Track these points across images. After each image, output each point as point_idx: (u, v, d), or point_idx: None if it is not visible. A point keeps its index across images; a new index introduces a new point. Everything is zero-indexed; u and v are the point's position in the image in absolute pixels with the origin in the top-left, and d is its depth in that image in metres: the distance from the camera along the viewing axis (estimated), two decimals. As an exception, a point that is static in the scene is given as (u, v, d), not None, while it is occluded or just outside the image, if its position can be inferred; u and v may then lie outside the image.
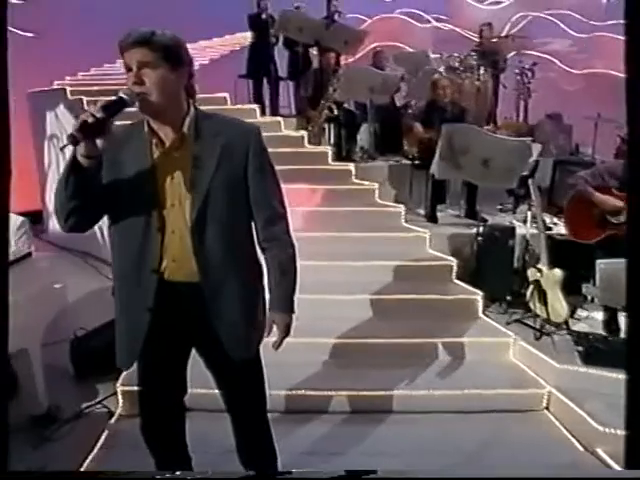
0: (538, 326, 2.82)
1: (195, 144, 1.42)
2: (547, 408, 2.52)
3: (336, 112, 4.81)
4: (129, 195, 1.41)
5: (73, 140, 1.22)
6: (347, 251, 3.51)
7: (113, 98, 1.30)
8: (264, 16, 5.65)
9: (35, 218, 5.88)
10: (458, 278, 3.34)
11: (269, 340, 1.61)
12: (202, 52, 7.73)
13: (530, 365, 2.71)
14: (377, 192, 4.07)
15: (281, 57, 6.14)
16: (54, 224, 5.72)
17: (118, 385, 2.59)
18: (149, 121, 1.41)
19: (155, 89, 1.33)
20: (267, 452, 1.80)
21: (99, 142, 1.28)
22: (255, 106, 5.17)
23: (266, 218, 1.54)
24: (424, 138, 4.02)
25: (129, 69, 1.33)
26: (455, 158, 3.34)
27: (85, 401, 2.76)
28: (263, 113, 5.75)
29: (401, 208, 3.86)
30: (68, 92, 5.48)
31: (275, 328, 1.59)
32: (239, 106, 5.24)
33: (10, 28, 5.12)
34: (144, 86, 1.32)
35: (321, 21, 5.61)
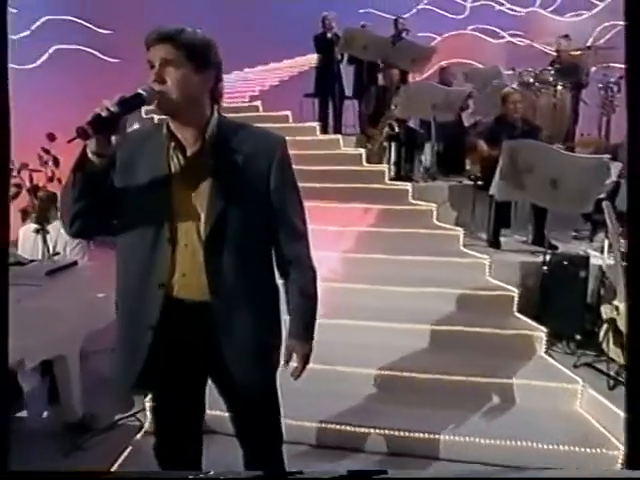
0: (612, 373, 2.42)
1: (216, 152, 1.32)
2: (620, 473, 2.13)
3: (397, 130, 4.64)
4: (141, 201, 1.32)
5: (83, 134, 1.13)
6: (398, 275, 3.30)
7: (131, 94, 1.24)
8: (329, 35, 5.67)
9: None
10: (520, 311, 3.00)
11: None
12: (272, 73, 7.95)
13: (600, 419, 2.32)
14: (435, 214, 3.83)
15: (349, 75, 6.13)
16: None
17: (147, 400, 2.56)
18: (169, 123, 1.32)
19: (176, 88, 1.25)
20: None
21: (113, 139, 1.20)
22: (315, 124, 5.15)
23: (286, 236, 1.41)
24: (488, 157, 3.73)
25: (152, 66, 1.25)
26: (518, 177, 3.03)
27: (120, 412, 2.77)
28: (325, 131, 5.74)
29: (459, 231, 3.59)
30: (142, 112, 5.76)
31: (294, 356, 1.46)
32: (299, 124, 5.24)
33: (98, 54, 5.55)
34: (165, 85, 1.24)
35: (386, 39, 5.51)
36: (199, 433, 1.65)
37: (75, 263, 2.77)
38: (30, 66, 6.88)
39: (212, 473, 1.52)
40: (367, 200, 3.97)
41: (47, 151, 4.17)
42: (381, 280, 3.24)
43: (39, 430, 2.72)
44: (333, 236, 3.69)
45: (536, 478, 1.29)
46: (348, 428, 2.39)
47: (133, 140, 1.37)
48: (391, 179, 4.35)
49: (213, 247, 1.32)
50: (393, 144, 4.67)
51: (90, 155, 1.21)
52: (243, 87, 7.26)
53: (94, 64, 7.51)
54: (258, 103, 5.80)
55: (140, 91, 1.22)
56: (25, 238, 3.27)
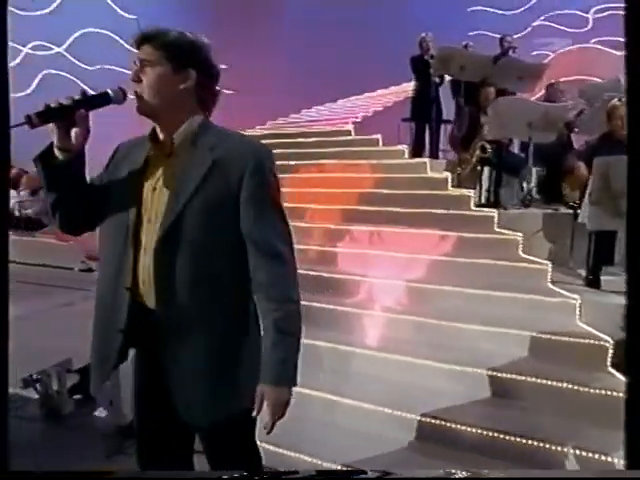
0: None
1: (186, 155, 1.27)
2: None
3: (489, 152, 4.24)
4: (116, 202, 1.30)
5: (28, 121, 1.13)
6: (471, 311, 2.93)
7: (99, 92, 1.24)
8: (426, 57, 5.46)
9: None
10: (614, 366, 2.44)
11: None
12: (377, 99, 7.95)
13: None
14: (520, 244, 3.36)
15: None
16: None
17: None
18: (155, 126, 1.30)
19: (151, 89, 1.23)
20: None
21: (73, 134, 1.21)
22: (403, 147, 4.95)
23: (259, 258, 1.26)
24: (588, 181, 3.19)
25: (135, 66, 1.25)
26: (614, 202, 2.50)
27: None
28: (418, 155, 5.51)
29: (547, 265, 3.09)
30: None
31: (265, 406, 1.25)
32: (388, 147, 5.09)
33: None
34: (140, 84, 1.23)
35: (487, 57, 5.13)
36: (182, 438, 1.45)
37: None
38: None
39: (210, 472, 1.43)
40: (447, 226, 3.65)
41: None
42: (450, 316, 2.89)
43: (97, 429, 2.87)
44: (403, 263, 3.45)
45: (536, 478, 1.27)
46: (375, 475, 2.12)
47: (130, 142, 1.38)
48: (478, 205, 3.95)
49: (164, 256, 1.23)
50: (486, 168, 4.28)
51: (55, 149, 1.22)
52: (347, 114, 7.35)
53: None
54: (350, 127, 5.78)
55: (108, 90, 1.23)
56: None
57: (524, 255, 3.32)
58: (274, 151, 4.47)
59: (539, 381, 2.42)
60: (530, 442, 2.13)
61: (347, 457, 2.19)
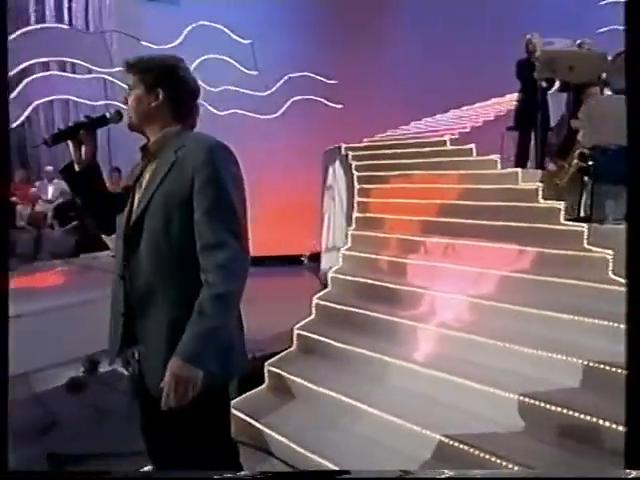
0: None
1: (160, 159, 1.46)
2: None
3: (590, 161, 3.80)
4: (122, 205, 1.52)
5: (44, 142, 1.46)
6: (539, 335, 2.67)
7: (98, 114, 1.54)
8: (532, 60, 5.08)
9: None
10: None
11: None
12: (489, 109, 7.58)
13: None
14: (611, 263, 2.96)
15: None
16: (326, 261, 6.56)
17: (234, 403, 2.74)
18: None
19: (132, 108, 1.48)
20: None
21: (84, 151, 1.48)
22: (495, 157, 4.65)
23: (202, 245, 1.38)
24: None
25: None
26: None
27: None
28: (523, 165, 5.16)
29: None
30: (342, 149, 6.28)
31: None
32: (481, 157, 4.83)
33: (325, 102, 6.54)
34: (127, 105, 1.48)
35: (601, 54, 4.59)
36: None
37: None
38: (272, 116, 8.34)
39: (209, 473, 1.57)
40: (527, 241, 3.35)
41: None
42: (514, 338, 2.67)
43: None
44: (471, 278, 3.26)
45: (536, 478, 1.30)
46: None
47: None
48: (569, 219, 3.56)
49: (132, 244, 1.43)
50: (585, 178, 3.84)
51: (74, 163, 1.49)
52: (456, 124, 7.13)
53: (322, 110, 8.61)
54: (446, 138, 5.59)
55: (106, 113, 1.50)
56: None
57: (614, 277, 2.91)
58: (367, 162, 4.59)
59: (599, 422, 2.12)
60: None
61: (361, 465, 2.17)
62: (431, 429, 2.29)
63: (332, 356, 3.05)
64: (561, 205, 3.59)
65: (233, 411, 2.70)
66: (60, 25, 6.33)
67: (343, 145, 6.36)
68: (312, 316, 3.52)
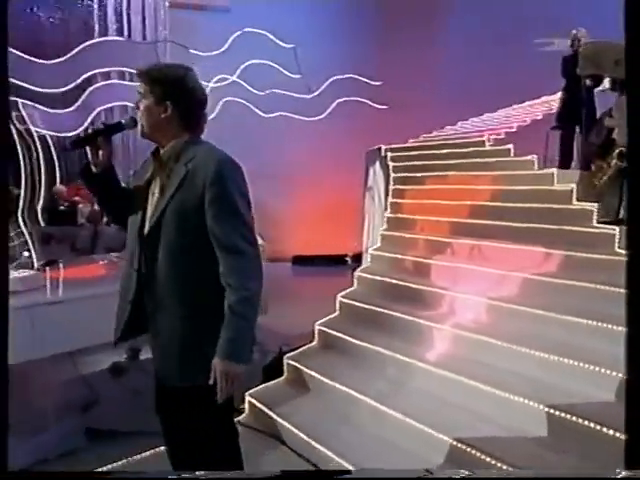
0: None
1: (172, 168, 1.60)
2: None
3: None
4: (134, 204, 1.68)
5: (68, 147, 1.69)
6: (559, 342, 2.60)
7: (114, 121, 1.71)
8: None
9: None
10: None
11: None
12: (539, 107, 7.33)
13: None
14: (640, 268, 2.83)
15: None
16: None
17: (247, 394, 2.91)
18: None
19: (142, 117, 1.61)
20: None
21: (101, 155, 1.62)
22: (532, 157, 4.53)
23: (220, 252, 1.53)
24: None
25: None
26: None
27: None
28: (566, 165, 5.02)
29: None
30: (382, 150, 6.32)
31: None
32: (518, 158, 4.72)
33: (370, 103, 6.71)
34: (138, 112, 1.62)
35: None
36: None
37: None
38: (317, 118, 8.50)
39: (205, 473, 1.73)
40: (555, 243, 3.28)
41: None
42: (528, 342, 2.63)
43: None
44: (493, 280, 3.24)
45: (536, 478, 1.31)
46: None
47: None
48: (603, 221, 3.43)
49: (149, 248, 1.59)
50: (624, 180, 3.66)
51: (91, 165, 1.65)
52: (502, 124, 6.95)
53: (367, 111, 8.67)
54: (484, 138, 5.49)
55: (121, 120, 1.65)
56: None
57: (643, 282, 2.79)
58: (403, 164, 4.62)
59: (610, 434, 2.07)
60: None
61: (367, 463, 2.24)
62: (438, 429, 2.32)
63: (350, 353, 3.14)
64: (594, 207, 3.47)
65: (252, 400, 2.87)
66: (118, 38, 6.84)
67: (383, 146, 6.40)
68: (336, 313, 3.63)
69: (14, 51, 5.55)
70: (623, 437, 2.01)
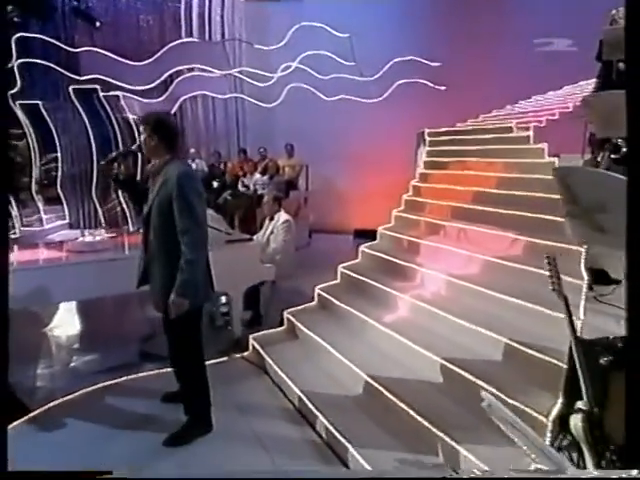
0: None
1: (157, 177, 2.51)
2: None
3: (623, 151, 3.76)
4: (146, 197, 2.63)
5: (103, 164, 2.66)
6: (501, 320, 3.03)
7: (128, 149, 2.63)
8: (612, 41, 4.83)
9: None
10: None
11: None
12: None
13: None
14: (583, 258, 3.13)
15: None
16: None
17: (251, 337, 3.77)
18: None
19: (143, 145, 2.54)
20: (193, 401, 2.67)
21: (123, 168, 2.61)
22: (543, 145, 4.70)
23: (179, 232, 2.42)
24: None
25: None
26: (590, 216, 2.29)
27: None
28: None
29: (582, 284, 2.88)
30: (425, 134, 6.69)
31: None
32: (531, 146, 4.90)
33: (430, 84, 7.33)
34: (141, 143, 2.54)
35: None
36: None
37: (250, 239, 4.26)
38: (377, 100, 8.95)
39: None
40: (531, 231, 3.62)
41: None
42: (471, 317, 3.06)
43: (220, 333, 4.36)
44: (463, 261, 3.70)
45: (536, 478, 1.33)
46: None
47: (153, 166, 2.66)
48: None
49: (147, 227, 2.53)
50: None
51: (119, 174, 2.64)
52: (543, 110, 6.87)
53: (427, 93, 8.90)
54: (512, 124, 5.60)
55: (132, 147, 2.57)
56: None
57: (583, 270, 3.10)
58: (436, 148, 5.18)
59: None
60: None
61: (314, 390, 2.99)
62: (376, 379, 2.92)
63: (335, 313, 3.86)
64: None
65: (253, 342, 3.73)
66: (193, 39, 7.90)
67: (426, 130, 6.74)
68: (337, 280, 4.33)
69: (110, 54, 6.83)
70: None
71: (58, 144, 8.23)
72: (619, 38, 4.47)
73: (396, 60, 8.72)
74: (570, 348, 2.24)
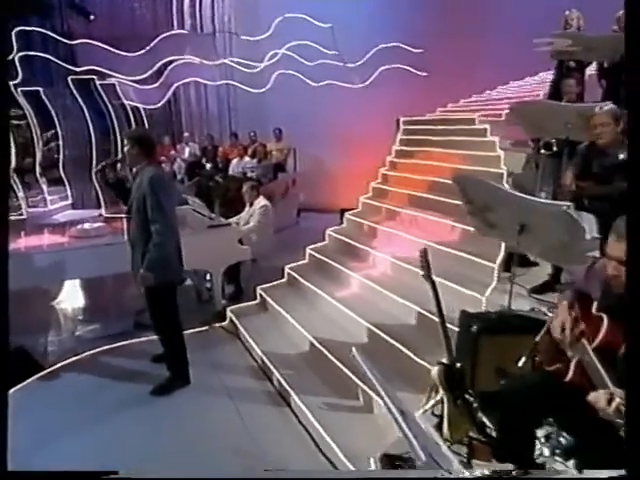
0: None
1: (137, 179, 3.09)
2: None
3: (555, 148, 4.31)
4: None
5: (96, 171, 3.27)
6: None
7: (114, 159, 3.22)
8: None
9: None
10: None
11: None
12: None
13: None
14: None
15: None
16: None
17: (229, 309, 4.43)
18: None
19: (127, 155, 3.15)
20: (174, 361, 3.29)
21: (112, 174, 3.22)
22: (495, 138, 5.21)
23: (150, 222, 3.04)
24: (574, 190, 3.28)
25: None
26: (482, 214, 2.87)
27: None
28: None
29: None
30: (401, 121, 7.15)
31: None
32: (487, 138, 5.41)
33: (412, 70, 7.77)
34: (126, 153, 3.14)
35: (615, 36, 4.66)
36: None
37: (229, 224, 4.88)
38: (362, 85, 9.38)
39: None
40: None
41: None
42: (408, 296, 3.62)
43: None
44: (408, 245, 4.30)
45: (535, 478, 1.35)
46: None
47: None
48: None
49: (130, 218, 3.15)
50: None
51: (108, 178, 3.25)
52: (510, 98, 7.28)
53: (408, 78, 9.31)
54: (475, 116, 6.04)
55: (119, 157, 3.17)
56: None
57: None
58: (406, 137, 5.72)
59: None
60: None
61: (272, 350, 3.65)
62: (320, 341, 3.55)
63: (300, 289, 4.50)
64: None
65: (230, 313, 4.39)
66: (183, 31, 8.33)
67: (402, 118, 7.22)
68: (305, 260, 4.96)
69: (103, 46, 7.29)
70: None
71: (59, 128, 8.78)
72: (567, 41, 4.96)
73: (380, 46, 9.10)
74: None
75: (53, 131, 8.93)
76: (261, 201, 5.32)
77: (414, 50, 9.13)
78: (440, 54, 8.79)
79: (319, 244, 5.11)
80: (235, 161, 8.68)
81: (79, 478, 1.12)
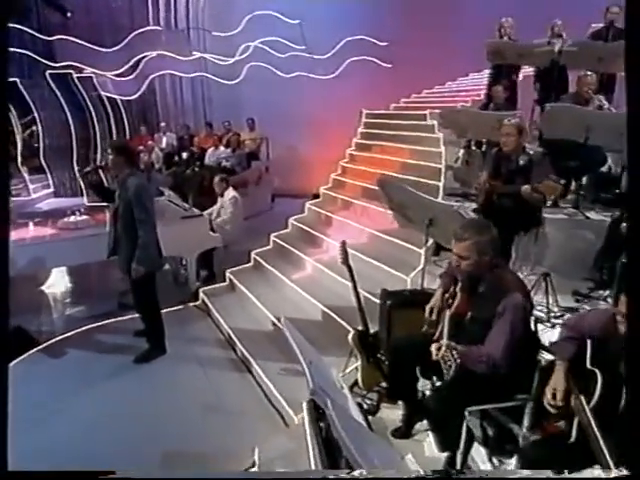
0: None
1: (122, 185, 3.64)
2: None
3: (484, 148, 4.96)
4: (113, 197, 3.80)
5: (80, 175, 3.87)
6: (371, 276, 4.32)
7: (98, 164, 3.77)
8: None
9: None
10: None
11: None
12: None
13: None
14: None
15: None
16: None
17: (201, 290, 5.04)
18: None
19: (110, 163, 3.67)
20: (153, 335, 3.91)
21: (95, 178, 3.76)
22: (439, 135, 5.82)
23: (136, 220, 3.60)
24: (486, 188, 3.92)
25: None
26: (401, 211, 3.52)
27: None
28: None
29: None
30: (364, 114, 7.68)
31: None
32: (433, 135, 6.01)
33: (378, 62, 8.34)
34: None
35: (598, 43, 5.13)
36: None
37: (201, 215, 5.46)
38: (330, 76, 9.88)
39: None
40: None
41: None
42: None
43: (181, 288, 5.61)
44: (356, 233, 4.94)
45: (535, 478, 1.36)
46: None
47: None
48: (450, 194, 4.85)
49: (115, 217, 3.72)
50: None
51: (91, 181, 3.81)
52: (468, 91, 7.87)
53: (374, 69, 9.82)
54: (427, 112, 6.62)
55: (102, 163, 3.72)
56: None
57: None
58: (366, 130, 6.34)
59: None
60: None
61: (239, 326, 4.30)
62: (278, 318, 4.20)
63: (263, 273, 5.13)
64: (440, 184, 4.92)
65: (202, 294, 5.00)
66: (156, 27, 8.69)
67: (364, 111, 7.76)
68: (269, 246, 5.58)
69: (80, 41, 7.66)
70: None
71: (37, 117, 9.12)
72: (498, 48, 5.57)
73: (348, 39, 9.58)
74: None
75: (30, 116, 9.24)
76: (230, 192, 5.87)
77: (380, 43, 9.63)
78: (405, 46, 9.31)
79: (282, 231, 5.72)
80: (210, 150, 9.14)
81: (78, 478, 1.14)
